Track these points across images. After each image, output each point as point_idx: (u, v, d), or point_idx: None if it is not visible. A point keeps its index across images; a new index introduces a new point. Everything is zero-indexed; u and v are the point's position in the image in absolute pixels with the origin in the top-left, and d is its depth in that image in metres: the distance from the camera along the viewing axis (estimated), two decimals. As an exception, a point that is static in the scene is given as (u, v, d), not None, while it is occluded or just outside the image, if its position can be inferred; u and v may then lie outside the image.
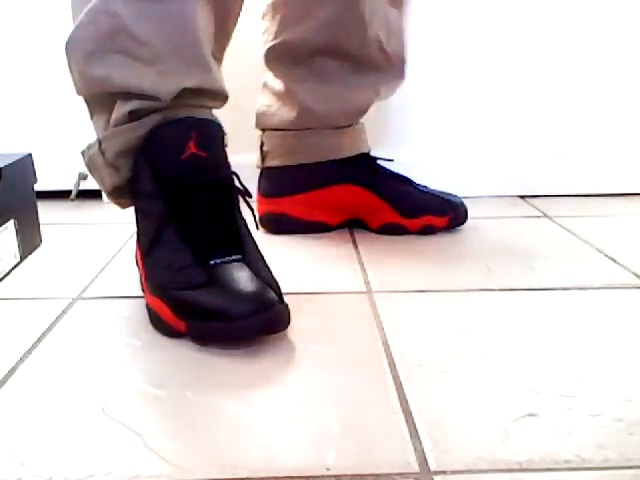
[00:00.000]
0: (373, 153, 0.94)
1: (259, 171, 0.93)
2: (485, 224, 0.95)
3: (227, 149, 0.70)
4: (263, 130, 0.92)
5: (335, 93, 0.88)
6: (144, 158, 0.64)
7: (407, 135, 1.11)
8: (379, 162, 0.93)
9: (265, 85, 0.92)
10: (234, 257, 0.62)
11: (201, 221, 0.63)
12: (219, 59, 0.75)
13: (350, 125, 0.91)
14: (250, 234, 0.66)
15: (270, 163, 0.91)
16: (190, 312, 0.58)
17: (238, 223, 0.65)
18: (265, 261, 0.65)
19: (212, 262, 0.61)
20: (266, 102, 0.91)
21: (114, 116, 0.66)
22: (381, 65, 0.89)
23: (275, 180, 0.92)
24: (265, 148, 0.91)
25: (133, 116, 0.66)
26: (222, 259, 0.61)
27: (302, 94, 0.88)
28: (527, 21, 1.07)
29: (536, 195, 1.12)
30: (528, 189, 1.12)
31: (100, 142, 0.68)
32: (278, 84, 0.90)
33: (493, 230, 0.93)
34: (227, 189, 0.66)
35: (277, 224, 0.92)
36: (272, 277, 0.63)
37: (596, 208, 1.05)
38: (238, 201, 0.67)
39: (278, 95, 0.90)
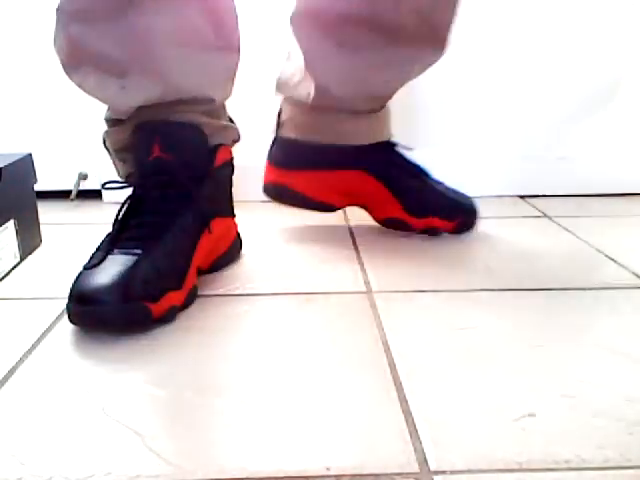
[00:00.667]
0: None
1: (273, 137, 0.90)
2: (485, 224, 0.95)
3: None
4: (284, 97, 0.89)
5: (358, 72, 0.82)
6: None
7: (406, 135, 1.11)
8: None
9: (289, 57, 0.88)
10: (134, 250, 0.63)
11: (135, 213, 0.68)
12: (226, 48, 0.74)
13: (373, 111, 0.86)
14: (181, 233, 0.67)
15: (285, 134, 0.88)
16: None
17: (164, 220, 0.66)
18: (175, 263, 0.65)
19: (115, 251, 0.63)
20: (290, 71, 0.87)
21: (104, 117, 0.74)
22: (421, 36, 0.79)
23: (287, 151, 0.88)
24: (283, 117, 0.88)
25: (109, 123, 0.74)
26: (121, 249, 0.63)
27: (321, 71, 0.83)
28: (526, 22, 1.07)
29: (536, 195, 1.12)
30: (528, 189, 1.12)
31: (104, 139, 0.74)
32: (300, 57, 0.85)
33: (493, 230, 0.93)
34: (180, 188, 0.68)
35: (280, 194, 0.90)
36: (151, 278, 0.62)
37: (596, 208, 1.05)
38: (189, 199, 0.69)
39: (300, 69, 0.86)
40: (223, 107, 0.79)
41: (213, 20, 0.71)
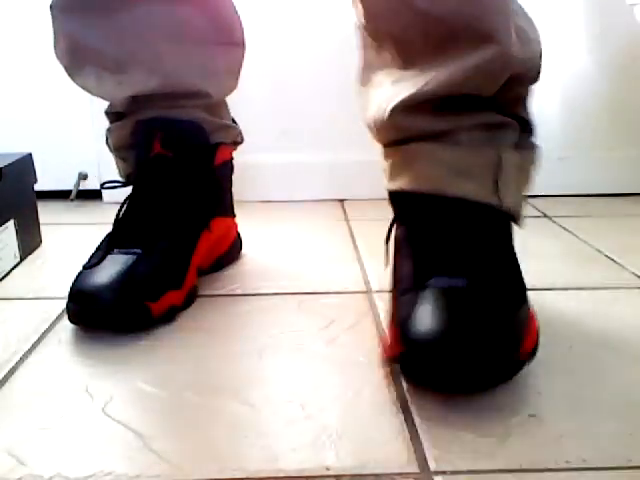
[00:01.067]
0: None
1: None
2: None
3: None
4: None
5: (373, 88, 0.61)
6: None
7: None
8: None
9: None
10: (134, 250, 0.63)
11: (134, 213, 0.67)
12: (224, 42, 0.73)
13: (400, 142, 0.59)
14: (180, 232, 0.67)
15: None
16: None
17: (164, 219, 0.66)
18: (175, 263, 0.65)
19: (115, 250, 0.64)
20: None
21: (104, 110, 0.73)
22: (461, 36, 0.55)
23: None
24: None
25: (110, 118, 0.73)
26: (121, 249, 0.64)
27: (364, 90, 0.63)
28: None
29: (536, 195, 1.12)
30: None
31: (107, 136, 0.73)
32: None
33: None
34: (180, 186, 0.68)
35: None
36: (151, 278, 0.62)
37: (596, 208, 1.05)
38: (189, 198, 0.68)
39: None
40: (225, 106, 0.78)
41: (210, 14, 0.71)
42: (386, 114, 0.58)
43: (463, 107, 0.57)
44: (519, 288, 0.54)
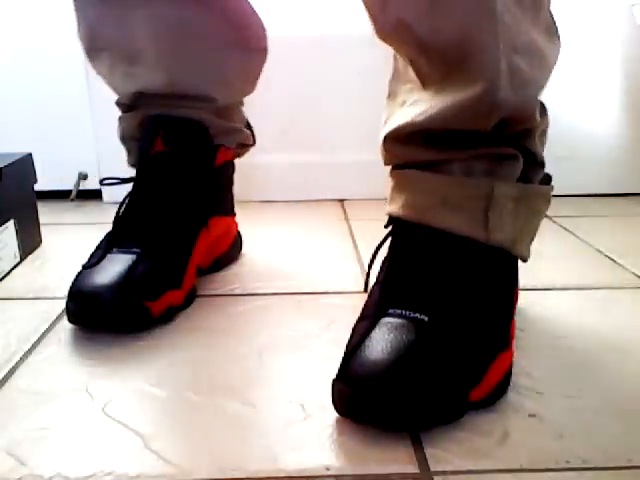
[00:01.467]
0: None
1: None
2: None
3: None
4: None
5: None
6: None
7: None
8: None
9: None
10: (133, 249, 0.63)
11: (134, 211, 0.67)
12: (240, 47, 0.73)
13: (397, 167, 0.57)
14: (179, 232, 0.66)
15: None
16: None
17: (163, 218, 0.66)
18: (174, 262, 0.65)
19: (114, 250, 0.64)
20: None
21: (115, 102, 0.74)
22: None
23: None
24: None
25: (121, 108, 0.73)
26: (121, 249, 0.64)
27: None
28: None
29: (536, 195, 1.12)
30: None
31: (118, 124, 0.74)
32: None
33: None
34: (180, 185, 0.68)
35: None
36: (150, 277, 0.62)
37: (596, 208, 1.05)
38: (188, 197, 0.68)
39: None
40: (237, 109, 0.78)
41: (225, 18, 0.70)
42: (380, 140, 0.57)
43: (459, 140, 0.53)
44: (495, 331, 0.50)
